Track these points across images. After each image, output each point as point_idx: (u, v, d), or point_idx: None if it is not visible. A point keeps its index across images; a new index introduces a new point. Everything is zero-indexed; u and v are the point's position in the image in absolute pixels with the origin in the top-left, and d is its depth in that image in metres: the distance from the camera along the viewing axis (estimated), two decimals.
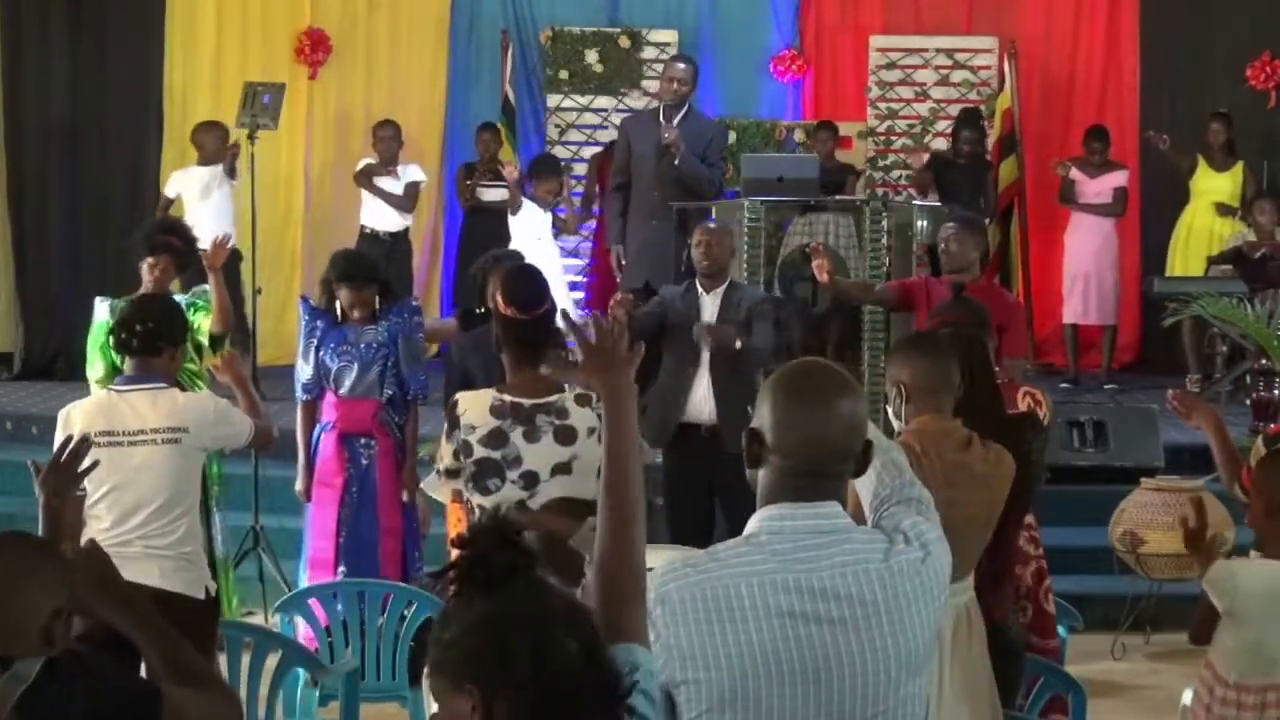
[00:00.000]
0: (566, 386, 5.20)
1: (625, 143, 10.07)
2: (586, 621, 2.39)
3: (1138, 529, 7.69)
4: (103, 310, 7.07)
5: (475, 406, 5.12)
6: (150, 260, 7.11)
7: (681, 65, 10.13)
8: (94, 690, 2.92)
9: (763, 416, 2.79)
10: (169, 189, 11.46)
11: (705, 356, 7.26)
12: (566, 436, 5.07)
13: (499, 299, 5.18)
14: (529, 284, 5.44)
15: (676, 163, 9.61)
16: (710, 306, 7.33)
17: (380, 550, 7.09)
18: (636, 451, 2.79)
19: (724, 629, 2.66)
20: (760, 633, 2.66)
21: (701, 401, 7.28)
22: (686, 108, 9.93)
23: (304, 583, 7.01)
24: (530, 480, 5.03)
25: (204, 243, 9.27)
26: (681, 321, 7.33)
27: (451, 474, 5.15)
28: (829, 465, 2.77)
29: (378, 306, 7.16)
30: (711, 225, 7.72)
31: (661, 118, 9.87)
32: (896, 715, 2.73)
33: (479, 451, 5.05)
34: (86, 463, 3.88)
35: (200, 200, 11.22)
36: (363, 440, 7.11)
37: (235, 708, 3.13)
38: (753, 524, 2.80)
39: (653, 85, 13.07)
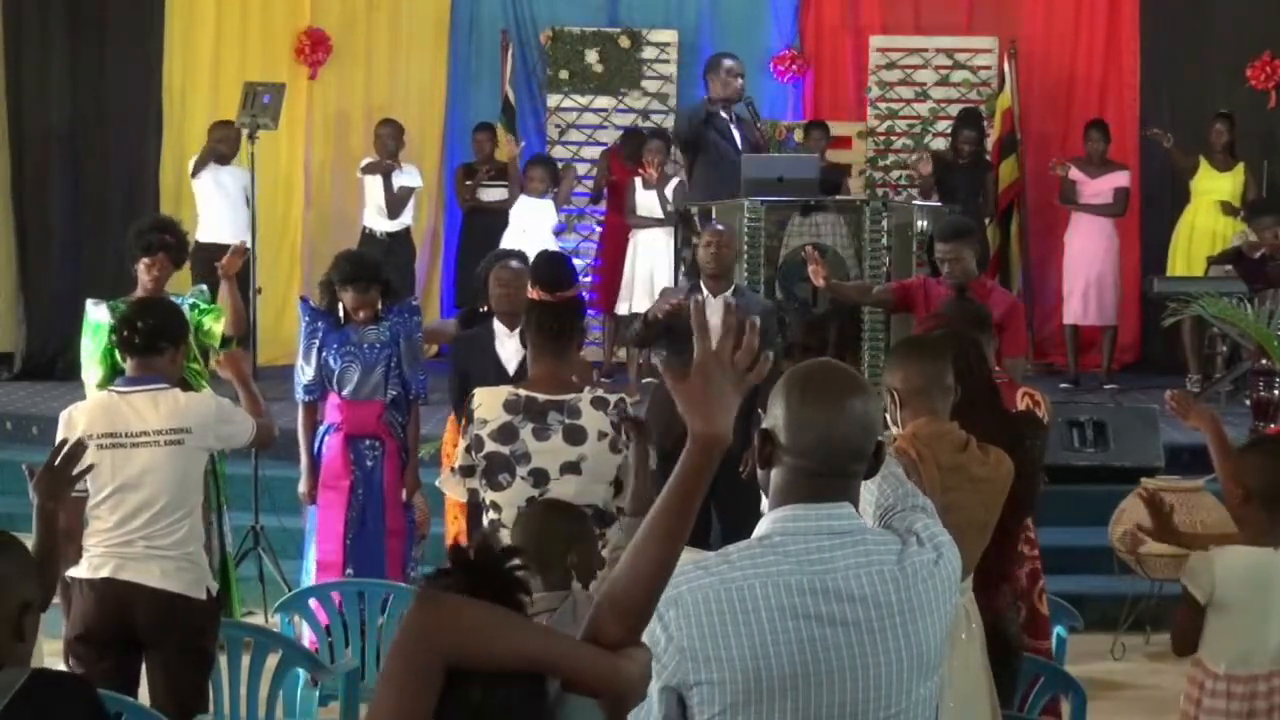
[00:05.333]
0: (586, 387, 5.21)
1: (695, 124, 10.02)
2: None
3: (1138, 529, 7.67)
4: (100, 313, 6.99)
5: (489, 401, 5.14)
6: (147, 260, 7.09)
7: (732, 60, 10.17)
8: (72, 704, 2.88)
9: (775, 417, 2.78)
10: (191, 170, 11.57)
11: None
12: (575, 436, 5.07)
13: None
14: (556, 267, 5.50)
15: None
16: (716, 310, 7.31)
17: (385, 551, 7.10)
18: (694, 511, 2.55)
19: (738, 630, 2.65)
20: (774, 634, 2.66)
21: None
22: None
23: (310, 584, 7.00)
24: (540, 478, 5.03)
25: (222, 237, 9.32)
26: (686, 324, 7.32)
27: (466, 471, 5.15)
28: (843, 465, 2.76)
29: (380, 307, 7.17)
30: (720, 228, 7.73)
31: (724, 114, 9.90)
32: (909, 717, 2.73)
33: (489, 445, 5.06)
34: (82, 466, 3.87)
35: (219, 197, 11.36)
36: (368, 442, 7.11)
37: None
38: (765, 525, 2.78)
39: (652, 85, 13.10)
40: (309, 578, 7.14)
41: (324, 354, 7.09)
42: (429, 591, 2.46)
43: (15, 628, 2.91)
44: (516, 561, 2.55)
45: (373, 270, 7.21)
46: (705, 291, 7.38)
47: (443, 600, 2.44)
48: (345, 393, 7.08)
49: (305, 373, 7.17)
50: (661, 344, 7.35)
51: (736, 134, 9.94)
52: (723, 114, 9.91)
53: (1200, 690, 4.65)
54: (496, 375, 6.32)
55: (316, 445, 7.18)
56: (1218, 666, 4.63)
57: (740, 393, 2.58)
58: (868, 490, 2.93)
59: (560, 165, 12.21)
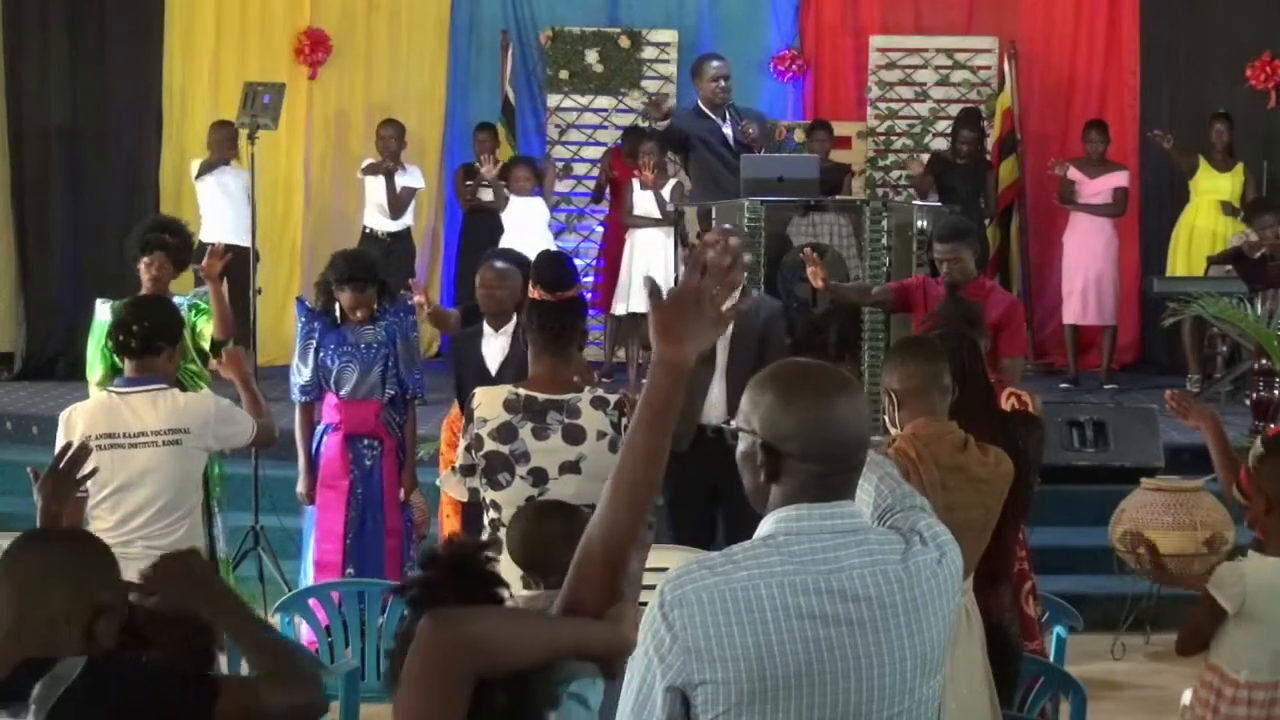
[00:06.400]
0: (587, 387, 5.22)
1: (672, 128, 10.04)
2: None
3: (1138, 529, 7.68)
4: (104, 312, 7.04)
5: (489, 400, 5.15)
6: (146, 260, 7.11)
7: (718, 63, 10.15)
8: (128, 686, 2.89)
9: (772, 426, 2.74)
10: (195, 174, 11.59)
11: (722, 361, 7.21)
12: (574, 436, 5.07)
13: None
14: (557, 267, 5.50)
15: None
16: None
17: (385, 551, 7.10)
18: (665, 440, 2.69)
19: (743, 630, 2.65)
20: (780, 634, 2.65)
21: (713, 405, 7.23)
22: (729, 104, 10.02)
23: (309, 584, 7.00)
24: (539, 477, 5.04)
25: (224, 237, 9.27)
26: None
27: (466, 471, 5.16)
28: (848, 460, 2.76)
29: (376, 307, 7.17)
30: (729, 227, 7.72)
31: (713, 115, 9.89)
32: (913, 716, 2.73)
33: (489, 445, 5.07)
34: (86, 469, 3.88)
35: (222, 197, 11.39)
36: (366, 441, 7.11)
37: (316, 691, 3.04)
38: (769, 524, 2.77)
39: (652, 85, 13.09)
40: (307, 578, 7.14)
41: (321, 354, 7.10)
42: (439, 612, 2.49)
43: (87, 628, 2.91)
44: (488, 554, 2.60)
45: (369, 269, 7.22)
46: None
47: (454, 619, 2.48)
48: (343, 392, 7.08)
49: (301, 374, 7.17)
50: None
51: (729, 133, 9.90)
52: (711, 115, 9.89)
53: (1217, 697, 4.64)
54: (478, 375, 6.33)
55: (315, 445, 7.19)
56: (1239, 674, 4.60)
57: (717, 331, 2.72)
58: (864, 491, 2.93)
59: (545, 164, 12.21)
